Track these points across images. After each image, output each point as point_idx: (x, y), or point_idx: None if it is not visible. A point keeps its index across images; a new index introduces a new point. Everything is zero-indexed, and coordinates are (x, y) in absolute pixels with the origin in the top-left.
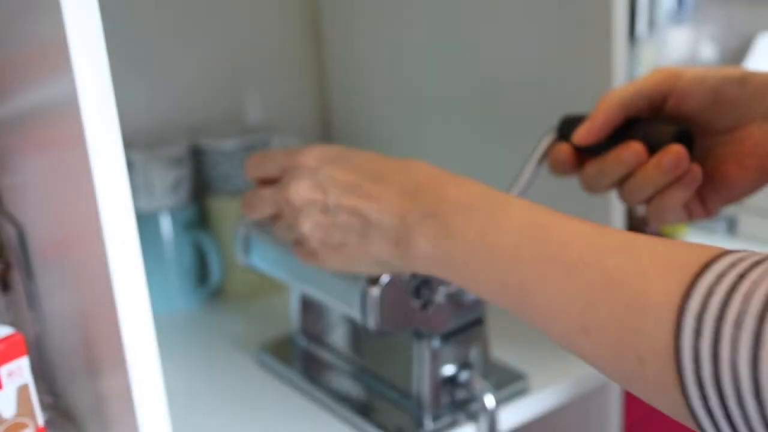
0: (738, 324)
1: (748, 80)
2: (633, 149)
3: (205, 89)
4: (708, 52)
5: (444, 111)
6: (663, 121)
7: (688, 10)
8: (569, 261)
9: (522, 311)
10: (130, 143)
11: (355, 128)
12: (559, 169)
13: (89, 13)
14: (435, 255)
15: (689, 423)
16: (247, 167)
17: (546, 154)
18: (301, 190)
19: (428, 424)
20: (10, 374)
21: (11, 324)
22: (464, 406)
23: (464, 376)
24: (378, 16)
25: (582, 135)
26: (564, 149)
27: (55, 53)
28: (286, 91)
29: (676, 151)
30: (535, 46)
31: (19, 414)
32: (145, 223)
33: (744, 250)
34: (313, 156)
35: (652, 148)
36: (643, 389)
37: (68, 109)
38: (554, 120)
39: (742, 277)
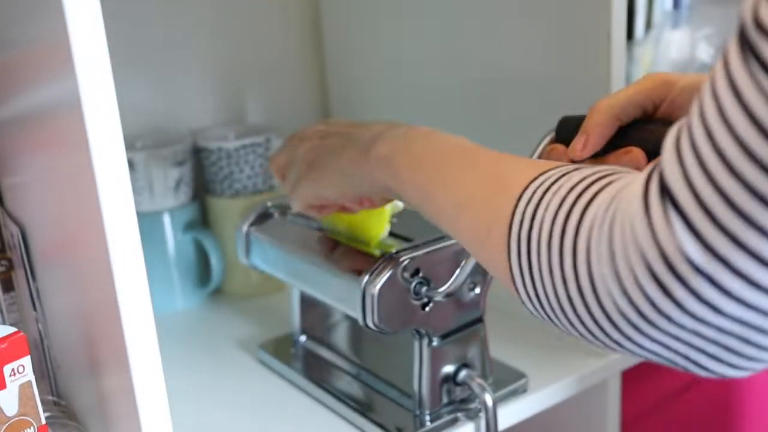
0: (538, 246)
1: None
2: (633, 155)
3: (206, 90)
4: (705, 53)
5: (444, 111)
6: (657, 123)
7: (686, 11)
8: (469, 165)
9: (425, 206)
10: (131, 143)
11: None
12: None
13: (91, 14)
14: (385, 157)
15: (510, 286)
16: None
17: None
18: (312, 126)
19: (427, 422)
20: (12, 373)
21: (14, 323)
22: (463, 404)
23: (463, 375)
24: (378, 17)
25: (578, 151)
26: (561, 151)
27: (58, 54)
28: (287, 91)
29: None
30: (535, 47)
31: (21, 412)
32: (147, 222)
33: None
34: (311, 129)
35: (650, 151)
36: (485, 255)
37: (70, 110)
38: (553, 120)
39: (543, 194)
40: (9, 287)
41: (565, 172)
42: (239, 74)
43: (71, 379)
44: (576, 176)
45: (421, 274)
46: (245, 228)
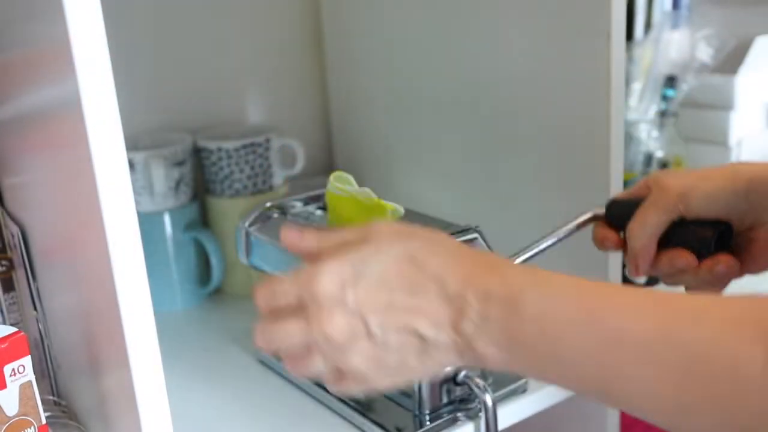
0: None
1: (753, 191)
2: (684, 258)
3: (206, 90)
4: (705, 53)
5: (443, 112)
6: (698, 223)
7: (685, 11)
8: (638, 342)
9: (611, 401)
10: (131, 144)
11: (355, 129)
12: (606, 248)
13: (91, 15)
14: (506, 360)
15: None
16: (257, 299)
17: (579, 227)
18: (338, 326)
19: (427, 422)
20: (13, 373)
21: (14, 323)
22: (463, 404)
23: (463, 375)
24: (378, 18)
25: (634, 274)
26: (612, 238)
27: (58, 55)
28: (287, 92)
29: (726, 262)
30: (535, 48)
31: (21, 412)
32: (147, 222)
33: None
34: (328, 282)
35: (696, 251)
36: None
37: (71, 110)
38: (553, 120)
39: None
40: (9, 287)
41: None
42: (239, 75)
43: (71, 378)
44: None
45: None
46: (245, 228)
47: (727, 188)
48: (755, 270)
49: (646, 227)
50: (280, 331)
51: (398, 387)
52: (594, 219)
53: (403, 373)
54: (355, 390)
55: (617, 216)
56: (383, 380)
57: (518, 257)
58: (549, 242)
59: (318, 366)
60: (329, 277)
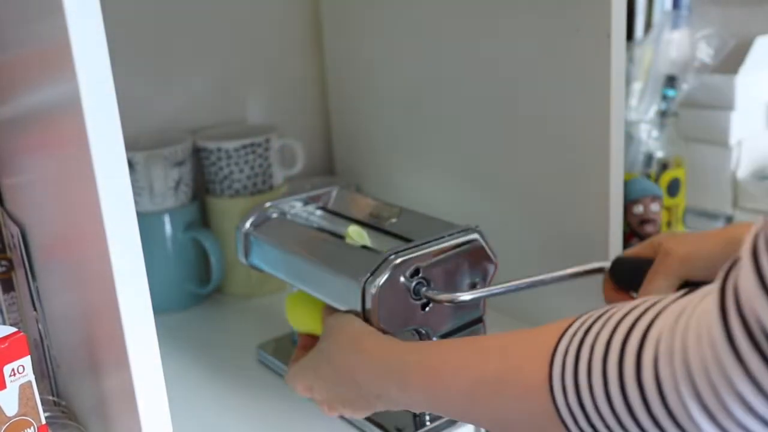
0: (589, 372)
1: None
2: None
3: (206, 90)
4: (705, 53)
5: (443, 112)
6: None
7: (685, 11)
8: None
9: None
10: (131, 144)
11: (354, 129)
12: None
13: (92, 16)
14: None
15: (558, 427)
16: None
17: (579, 275)
18: (319, 401)
19: (427, 422)
20: (12, 373)
21: (14, 323)
22: None
23: None
24: (378, 19)
25: None
26: (620, 296)
27: (59, 55)
28: (287, 92)
29: None
30: (535, 48)
31: (21, 412)
32: (147, 222)
33: (592, 311)
34: (300, 389)
35: None
36: (514, 415)
37: (71, 110)
38: (553, 120)
39: (587, 332)
40: (9, 287)
41: (604, 310)
42: (240, 75)
43: (71, 379)
44: (626, 307)
45: (421, 274)
46: (245, 228)
47: (724, 252)
48: None
49: (658, 292)
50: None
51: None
52: (598, 271)
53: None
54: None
55: (623, 273)
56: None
57: (512, 282)
58: (545, 278)
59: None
60: (299, 386)
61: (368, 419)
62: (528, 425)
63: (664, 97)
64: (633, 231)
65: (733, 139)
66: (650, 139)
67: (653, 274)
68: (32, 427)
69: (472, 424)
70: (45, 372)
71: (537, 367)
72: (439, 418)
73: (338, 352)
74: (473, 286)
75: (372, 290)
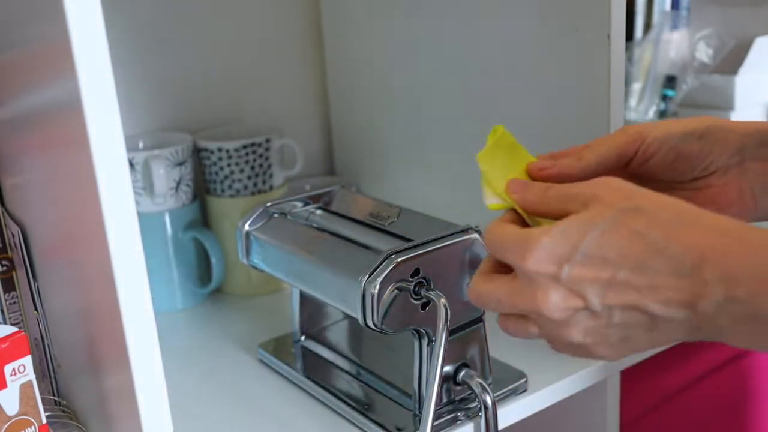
0: None
1: (708, 135)
2: None
3: (207, 90)
4: (704, 53)
5: (443, 113)
6: None
7: (684, 12)
8: None
9: None
10: (131, 144)
11: (354, 129)
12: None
13: (92, 16)
14: (748, 333)
15: None
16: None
17: None
18: (554, 305)
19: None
20: (13, 373)
21: (15, 323)
22: (463, 404)
23: (463, 374)
24: (378, 19)
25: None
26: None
27: (59, 55)
28: (287, 91)
29: None
30: (535, 49)
31: (22, 412)
32: (147, 222)
33: None
34: (541, 259)
35: None
36: None
37: (71, 110)
38: (553, 120)
39: None
40: (10, 287)
41: None
42: (240, 75)
43: (72, 378)
44: None
45: (421, 274)
46: (245, 228)
47: (682, 129)
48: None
49: (594, 159)
50: (490, 295)
51: (623, 356)
52: None
53: (629, 346)
54: (576, 355)
55: None
56: (605, 351)
57: None
58: None
59: (533, 332)
60: (542, 254)
61: (368, 419)
62: None
63: (664, 98)
64: None
65: None
66: None
67: (602, 139)
68: (33, 427)
69: None
70: (46, 371)
71: None
72: (439, 417)
73: (655, 220)
74: None
75: (372, 290)
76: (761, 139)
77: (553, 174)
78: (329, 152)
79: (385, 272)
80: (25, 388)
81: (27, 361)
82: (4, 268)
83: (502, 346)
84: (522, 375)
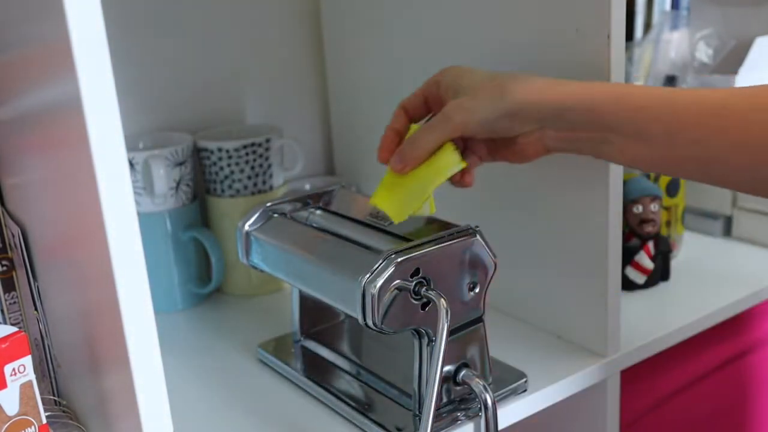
0: None
1: (516, 114)
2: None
3: (207, 90)
4: (704, 53)
5: None
6: None
7: (684, 12)
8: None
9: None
10: (131, 144)
11: (354, 129)
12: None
13: (92, 15)
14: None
15: None
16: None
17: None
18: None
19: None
20: (13, 372)
21: (15, 323)
22: (463, 404)
23: (463, 374)
24: (378, 19)
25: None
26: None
27: (59, 55)
28: (287, 92)
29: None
30: (535, 48)
31: (22, 412)
32: (147, 222)
33: None
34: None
35: None
36: None
37: (71, 110)
38: None
39: None
40: (10, 287)
41: None
42: (240, 75)
43: (72, 378)
44: None
45: (421, 274)
46: (245, 228)
47: (497, 114)
48: (523, 161)
49: (426, 146)
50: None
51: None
52: None
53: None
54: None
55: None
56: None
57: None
58: None
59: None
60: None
61: (368, 419)
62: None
63: None
64: (632, 231)
65: None
66: None
67: (427, 130)
68: (33, 427)
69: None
70: (46, 371)
71: None
72: (439, 417)
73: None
74: (473, 286)
75: (372, 290)
76: (556, 114)
77: (409, 165)
78: (329, 152)
79: (385, 272)
80: (25, 388)
81: (27, 361)
82: (4, 268)
83: (502, 346)
84: (522, 375)
